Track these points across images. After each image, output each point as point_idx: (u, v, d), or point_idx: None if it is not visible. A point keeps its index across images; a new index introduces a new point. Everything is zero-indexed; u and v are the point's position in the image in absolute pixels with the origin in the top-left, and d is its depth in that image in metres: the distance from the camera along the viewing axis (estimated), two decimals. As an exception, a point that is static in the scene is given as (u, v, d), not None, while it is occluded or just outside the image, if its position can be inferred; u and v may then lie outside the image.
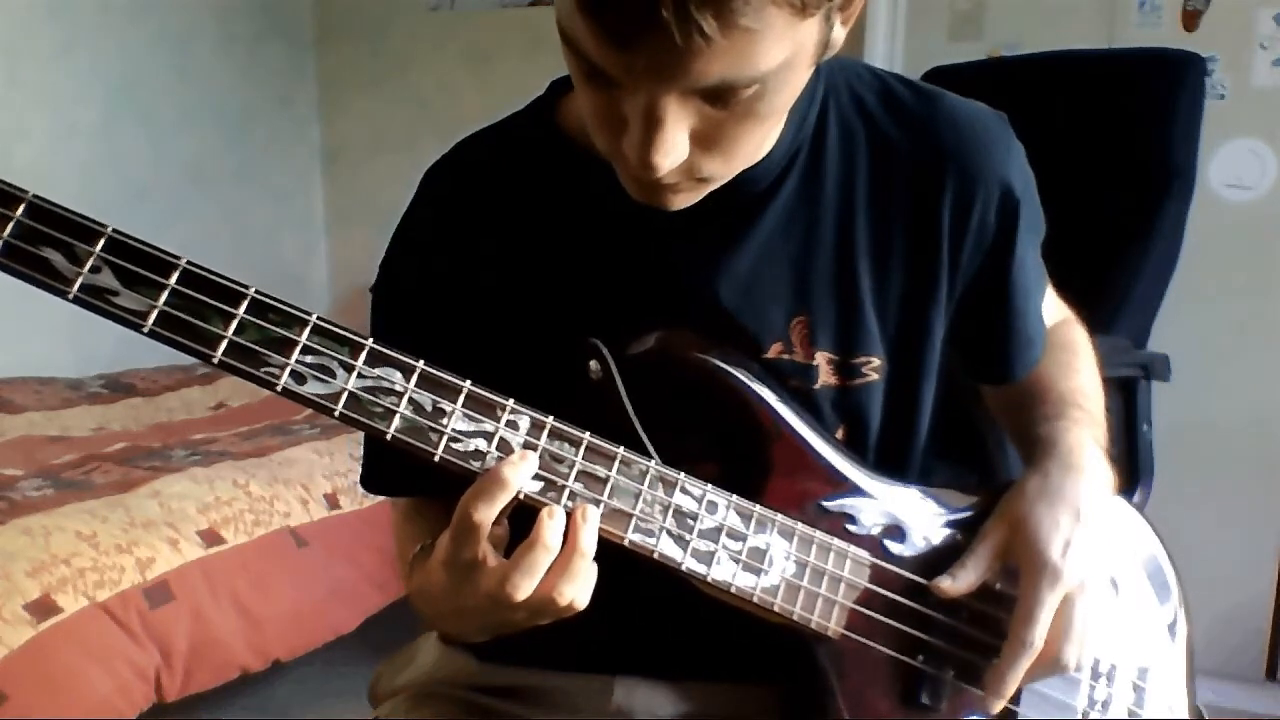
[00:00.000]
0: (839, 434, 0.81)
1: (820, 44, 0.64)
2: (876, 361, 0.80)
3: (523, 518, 0.66)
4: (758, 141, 0.69)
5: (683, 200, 0.69)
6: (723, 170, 0.68)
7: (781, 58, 0.60)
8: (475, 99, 3.10)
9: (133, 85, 2.93)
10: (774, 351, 0.78)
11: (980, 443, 1.15)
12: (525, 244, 0.80)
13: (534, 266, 0.80)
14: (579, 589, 0.65)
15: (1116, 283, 1.78)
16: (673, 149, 0.62)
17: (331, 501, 2.02)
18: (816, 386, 0.79)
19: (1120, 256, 1.79)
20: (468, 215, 0.82)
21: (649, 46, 0.57)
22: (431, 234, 0.83)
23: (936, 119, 0.80)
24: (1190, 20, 2.23)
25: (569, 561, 0.65)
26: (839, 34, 0.66)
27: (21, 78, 2.67)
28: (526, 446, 0.66)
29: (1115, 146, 1.86)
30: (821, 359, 0.79)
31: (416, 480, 0.83)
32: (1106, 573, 0.77)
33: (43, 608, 1.52)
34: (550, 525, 0.64)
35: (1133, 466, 1.61)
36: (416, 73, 3.24)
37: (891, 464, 0.83)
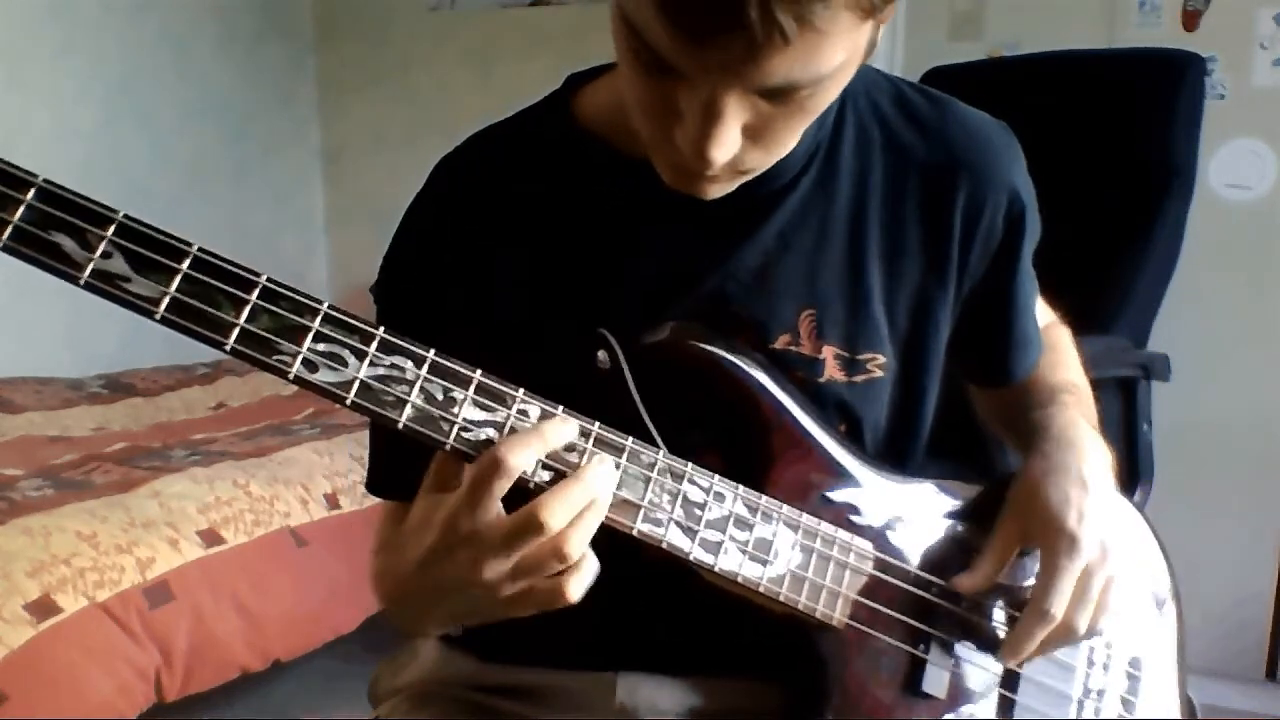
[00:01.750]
0: (842, 429, 0.81)
1: (870, 45, 0.65)
2: (882, 359, 0.81)
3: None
4: (798, 136, 0.69)
5: (719, 190, 0.70)
6: (763, 162, 0.69)
7: (842, 59, 0.61)
8: (475, 99, 3.10)
9: (133, 85, 2.93)
10: (781, 343, 0.78)
11: (979, 441, 1.16)
12: (537, 234, 0.80)
13: (545, 256, 0.80)
14: (564, 515, 0.62)
15: (1116, 283, 1.79)
16: (729, 143, 0.63)
17: (331, 501, 2.02)
18: (821, 380, 0.79)
19: (1120, 256, 1.80)
20: (476, 206, 0.82)
21: (726, 44, 0.57)
22: (437, 224, 0.83)
23: (950, 125, 0.82)
24: (1190, 20, 2.23)
25: (566, 487, 0.63)
26: (878, 35, 0.67)
27: (21, 78, 2.67)
28: None
29: (1115, 146, 1.87)
30: (828, 353, 0.79)
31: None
32: (1120, 543, 0.78)
33: (43, 608, 1.52)
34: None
35: (1133, 466, 1.62)
36: (416, 73, 3.25)
37: (893, 460, 0.84)
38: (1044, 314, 0.97)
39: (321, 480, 2.04)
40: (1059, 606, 0.74)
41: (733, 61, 0.58)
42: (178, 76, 3.05)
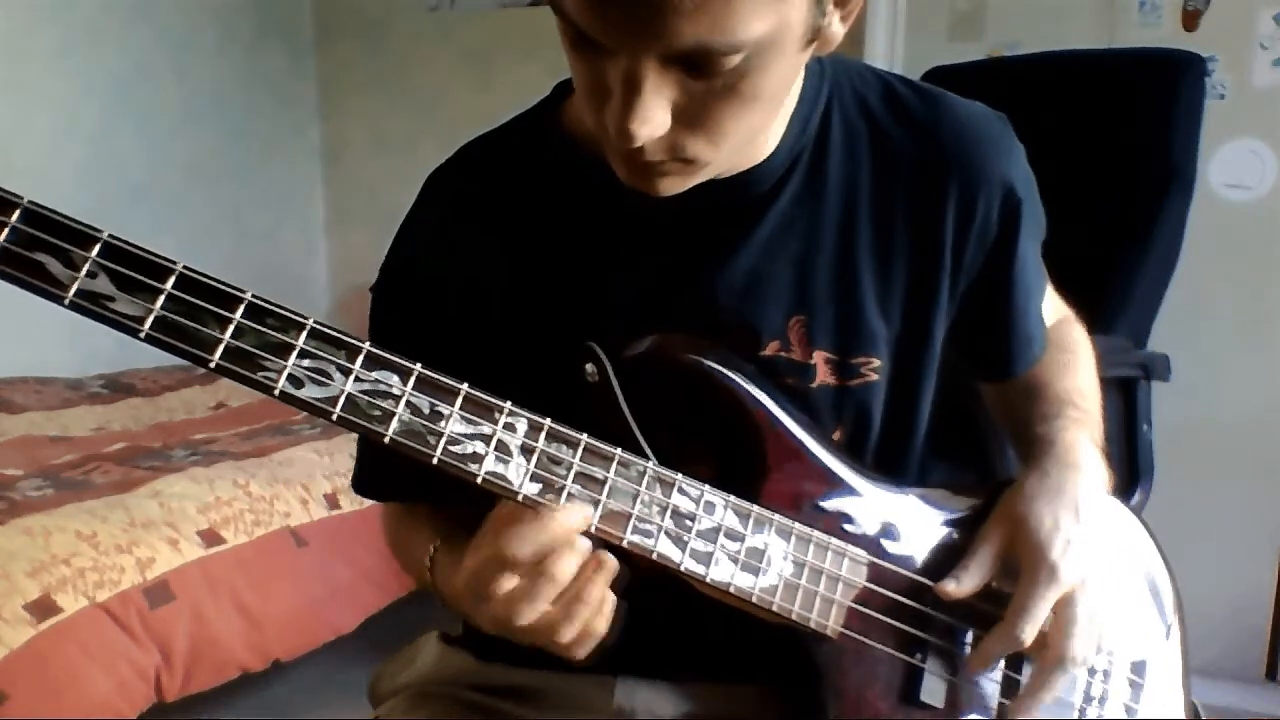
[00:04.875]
0: (837, 434, 0.81)
1: (809, 29, 0.63)
2: (876, 362, 0.80)
3: None
4: (746, 127, 0.68)
5: (670, 185, 0.69)
6: (708, 153, 0.67)
7: (763, 30, 0.59)
8: (475, 99, 3.10)
9: (132, 85, 2.94)
10: (771, 349, 0.78)
11: (979, 442, 1.16)
12: (527, 246, 0.80)
13: (535, 268, 0.80)
14: (570, 632, 0.66)
15: (1116, 283, 1.78)
16: (650, 117, 0.62)
17: (331, 501, 2.02)
18: (813, 385, 0.79)
19: (1120, 256, 1.79)
20: (469, 218, 0.82)
21: (628, 3, 0.57)
22: (432, 237, 0.83)
23: (940, 120, 0.80)
24: (1190, 20, 2.22)
25: (569, 608, 0.65)
26: (836, 29, 0.66)
27: (21, 78, 2.67)
28: (524, 449, 0.67)
29: (1115, 146, 1.86)
30: (819, 358, 0.79)
31: (409, 485, 0.84)
32: (1106, 570, 0.77)
33: (43, 608, 1.52)
34: (562, 561, 0.65)
35: (1133, 466, 1.61)
36: (416, 73, 3.25)
37: (890, 464, 0.83)
38: (1057, 309, 0.96)
39: (321, 480, 2.04)
40: (1028, 631, 0.74)
41: (634, 21, 0.58)
42: (177, 77, 3.05)
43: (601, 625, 0.67)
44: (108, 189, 2.84)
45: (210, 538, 1.78)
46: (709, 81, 0.62)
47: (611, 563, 0.66)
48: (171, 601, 1.66)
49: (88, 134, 2.83)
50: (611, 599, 0.67)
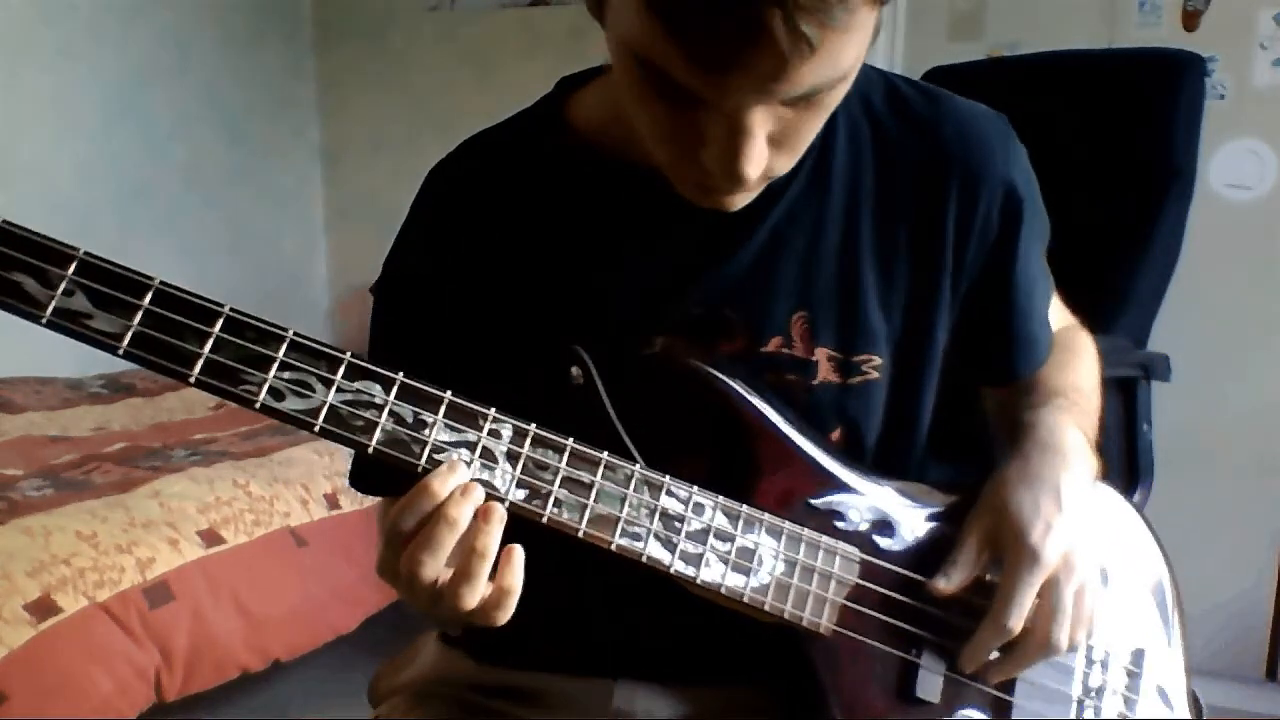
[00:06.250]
0: (837, 432, 0.81)
1: (877, 29, 0.64)
2: (878, 360, 0.80)
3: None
4: (816, 131, 0.69)
5: (744, 200, 0.70)
6: (787, 165, 0.68)
7: (860, 51, 0.61)
8: (475, 99, 3.10)
9: (132, 86, 2.94)
10: (772, 345, 0.78)
11: (980, 443, 1.15)
12: (528, 241, 0.80)
13: (537, 264, 0.80)
14: (473, 594, 0.64)
15: (1116, 283, 1.78)
16: (760, 158, 0.63)
17: (331, 501, 2.02)
18: (815, 383, 0.79)
19: (1120, 256, 1.79)
20: (471, 213, 0.82)
21: (750, 65, 0.57)
22: (432, 235, 0.83)
23: (941, 120, 0.80)
24: (1190, 20, 2.22)
25: (467, 562, 0.64)
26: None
27: (21, 78, 2.67)
28: (510, 455, 0.66)
29: (1115, 147, 1.86)
30: (821, 355, 0.79)
31: (402, 481, 0.84)
32: (1092, 553, 0.77)
33: (43, 608, 1.52)
34: (456, 506, 0.63)
35: (1133, 466, 1.61)
36: (416, 73, 3.25)
37: (890, 463, 0.83)
38: (1063, 317, 0.96)
39: (321, 480, 2.04)
40: (1016, 620, 0.74)
41: (760, 81, 0.58)
42: (177, 78, 3.05)
43: (512, 580, 0.65)
44: (107, 189, 2.84)
45: (210, 538, 1.78)
46: (806, 109, 0.63)
47: (500, 511, 0.65)
48: (171, 601, 1.66)
49: (87, 134, 2.83)
50: (518, 550, 0.66)
